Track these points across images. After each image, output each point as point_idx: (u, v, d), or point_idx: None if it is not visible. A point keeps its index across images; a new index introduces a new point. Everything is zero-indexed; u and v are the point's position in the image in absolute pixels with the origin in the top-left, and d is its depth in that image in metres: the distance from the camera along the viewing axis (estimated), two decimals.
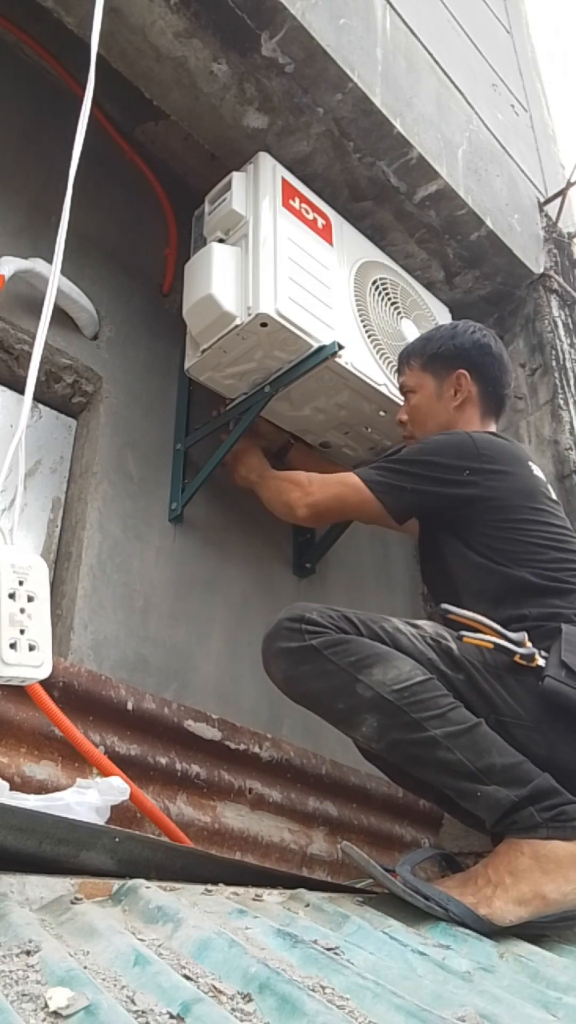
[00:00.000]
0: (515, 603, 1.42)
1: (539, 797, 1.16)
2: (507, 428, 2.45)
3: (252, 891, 1.04)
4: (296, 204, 1.98)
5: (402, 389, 1.82)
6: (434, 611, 1.55)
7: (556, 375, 2.47)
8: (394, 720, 1.21)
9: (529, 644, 1.30)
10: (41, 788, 1.32)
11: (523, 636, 1.31)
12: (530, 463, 1.60)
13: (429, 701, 1.21)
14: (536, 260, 2.60)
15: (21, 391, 1.84)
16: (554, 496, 1.60)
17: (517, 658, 1.27)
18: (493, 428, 1.72)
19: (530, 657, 1.27)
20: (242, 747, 1.70)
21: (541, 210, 2.81)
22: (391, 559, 2.55)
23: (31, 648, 0.90)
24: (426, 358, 1.74)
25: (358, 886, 1.35)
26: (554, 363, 2.49)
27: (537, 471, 1.60)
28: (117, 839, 0.95)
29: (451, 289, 2.53)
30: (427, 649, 1.30)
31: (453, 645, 1.32)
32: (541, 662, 1.28)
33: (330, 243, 2.03)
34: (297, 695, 1.32)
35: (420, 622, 1.37)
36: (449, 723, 1.20)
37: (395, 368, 2.00)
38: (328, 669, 1.24)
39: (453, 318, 2.39)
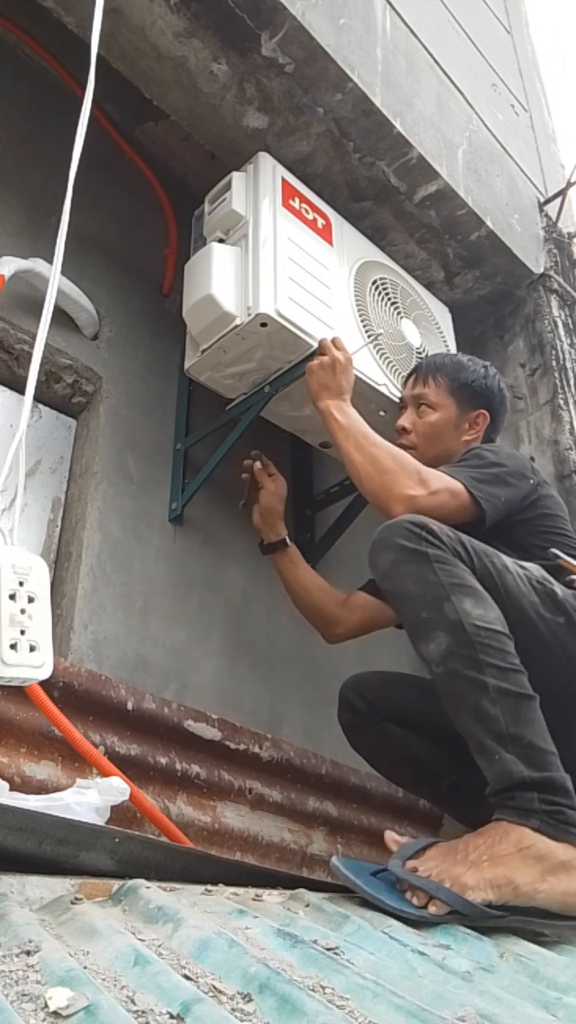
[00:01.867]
0: None
1: (548, 788, 1.16)
2: (507, 428, 2.45)
3: (252, 891, 1.04)
4: (296, 204, 1.98)
5: (417, 399, 1.77)
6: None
7: (556, 375, 2.47)
8: (462, 650, 1.21)
9: None
10: (41, 788, 1.32)
11: None
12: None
13: (499, 652, 1.22)
14: (536, 260, 2.60)
15: (21, 391, 1.84)
16: None
17: None
18: None
19: None
20: (242, 747, 1.70)
21: (541, 210, 2.81)
22: None
23: (32, 649, 0.90)
24: (457, 384, 1.75)
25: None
26: (554, 363, 2.49)
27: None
28: (117, 839, 0.95)
29: (451, 289, 2.53)
30: (530, 591, 1.34)
31: (557, 589, 1.36)
32: None
33: (330, 243, 2.03)
34: (391, 588, 1.32)
35: (527, 564, 1.39)
36: (506, 679, 1.20)
37: (395, 368, 2.00)
38: (429, 579, 1.25)
39: (453, 318, 2.39)
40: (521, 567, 1.37)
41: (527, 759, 1.16)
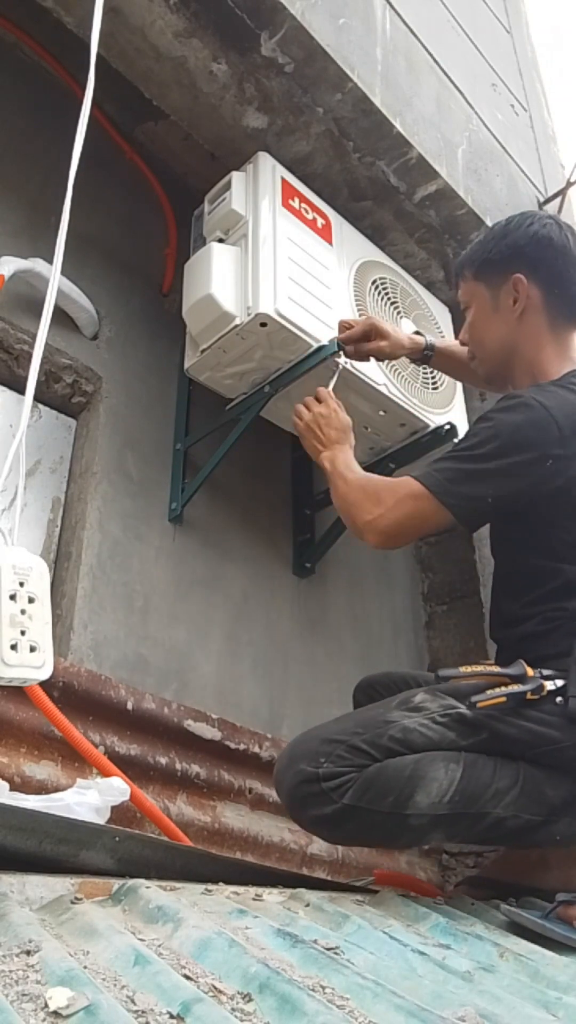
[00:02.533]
0: (556, 596, 1.33)
1: None
2: None
3: (252, 891, 1.04)
4: (296, 204, 1.98)
5: (462, 309, 1.56)
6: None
7: None
8: (458, 825, 1.20)
9: (532, 672, 1.24)
10: (41, 788, 1.32)
11: (522, 668, 1.24)
12: None
13: (477, 788, 1.20)
14: None
15: (21, 391, 1.84)
16: None
17: (528, 695, 1.22)
18: (569, 346, 1.46)
19: (539, 689, 1.23)
20: (242, 747, 1.71)
21: (541, 210, 2.81)
22: (391, 559, 2.55)
23: (32, 649, 0.90)
24: (478, 265, 1.49)
25: (358, 885, 1.35)
26: None
27: None
28: (117, 838, 0.95)
29: (451, 289, 2.53)
30: (441, 731, 1.23)
31: (464, 710, 1.25)
32: (551, 687, 1.24)
33: (330, 243, 2.03)
34: (351, 844, 1.31)
35: (417, 699, 1.27)
36: (503, 794, 1.20)
37: (395, 368, 2.00)
38: (374, 820, 1.18)
39: (453, 318, 2.39)
40: (416, 710, 1.26)
41: (571, 810, 1.21)
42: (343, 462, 1.53)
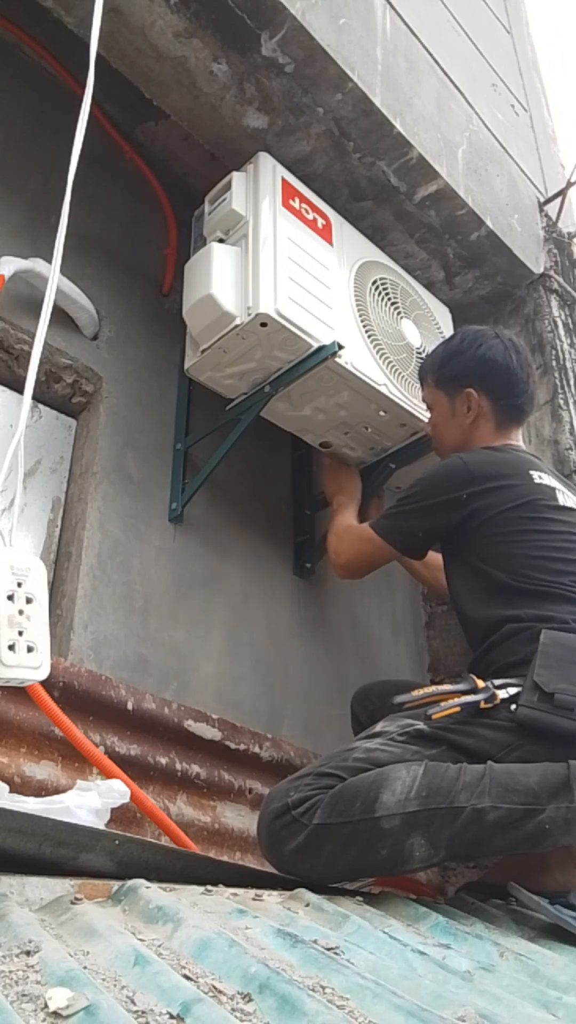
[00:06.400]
0: (508, 604, 1.46)
1: None
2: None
3: (252, 891, 1.04)
4: (296, 204, 1.98)
5: (426, 406, 1.87)
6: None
7: (556, 375, 2.47)
8: (433, 823, 1.19)
9: (483, 684, 1.33)
10: (41, 788, 1.32)
11: (472, 682, 1.34)
12: (534, 472, 1.60)
13: (443, 782, 1.21)
14: (536, 260, 2.60)
15: (21, 391, 1.84)
16: (565, 502, 1.58)
17: (482, 705, 1.30)
18: (511, 438, 1.74)
19: (491, 698, 1.30)
20: (242, 747, 1.71)
21: (541, 210, 2.81)
22: None
23: (29, 649, 0.90)
24: (439, 375, 1.78)
25: (357, 890, 1.35)
26: (554, 363, 2.49)
27: (542, 478, 1.59)
28: (117, 842, 0.95)
29: (451, 289, 2.53)
30: (403, 746, 1.30)
31: (421, 726, 1.32)
32: (504, 695, 1.31)
33: (330, 243, 2.03)
34: (339, 878, 1.26)
35: (377, 727, 1.37)
36: (473, 785, 1.20)
37: (395, 368, 2.01)
38: (346, 832, 1.19)
39: (453, 318, 2.39)
40: (376, 735, 1.34)
41: (554, 794, 1.20)
42: (342, 512, 1.94)
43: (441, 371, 1.77)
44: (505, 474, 1.58)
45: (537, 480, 1.58)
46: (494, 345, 1.73)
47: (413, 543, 1.67)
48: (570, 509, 1.58)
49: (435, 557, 1.86)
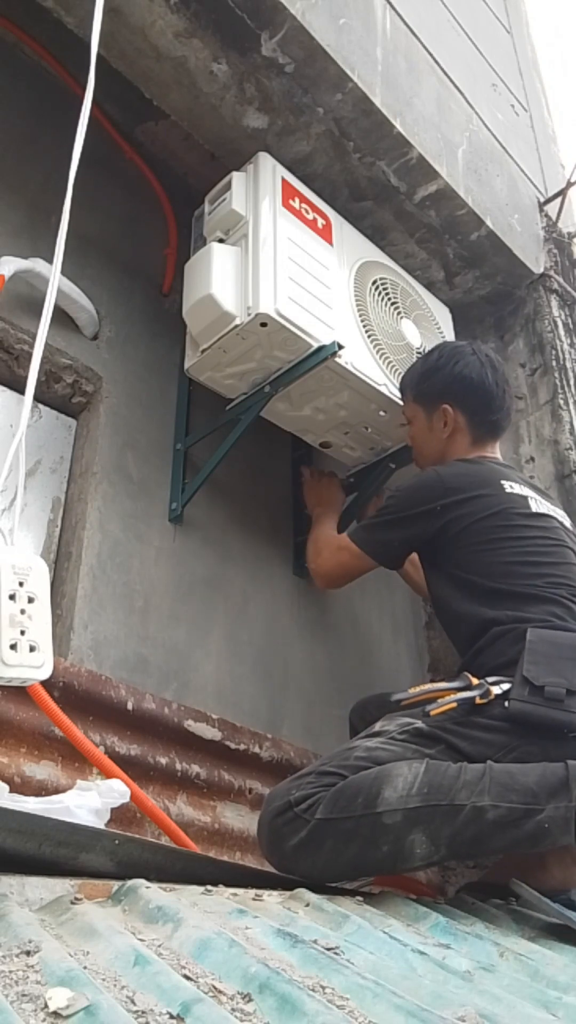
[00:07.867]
0: (489, 608, 1.50)
1: None
2: (508, 428, 2.44)
3: (252, 891, 1.04)
4: (296, 204, 1.98)
5: (406, 419, 1.91)
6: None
7: (556, 375, 2.47)
8: (434, 820, 1.20)
9: (477, 681, 1.36)
10: (41, 788, 1.32)
11: (467, 679, 1.36)
12: (505, 482, 1.64)
13: (444, 780, 1.23)
14: (536, 260, 2.60)
15: (21, 391, 1.84)
16: (538, 508, 1.63)
17: (478, 700, 1.33)
18: (487, 451, 1.79)
19: (486, 693, 1.33)
20: (242, 747, 1.71)
21: (541, 210, 2.81)
22: None
23: (31, 649, 0.90)
24: (418, 390, 1.83)
25: (357, 889, 1.35)
26: (554, 363, 2.49)
27: (515, 488, 1.64)
28: (117, 842, 0.95)
29: (451, 289, 2.53)
30: (403, 745, 1.32)
31: (420, 724, 1.35)
32: (498, 691, 1.34)
33: (330, 243, 2.03)
34: (340, 875, 1.27)
35: (377, 727, 1.39)
36: (474, 784, 1.22)
37: (395, 368, 2.01)
38: (348, 827, 1.21)
39: (453, 318, 2.39)
40: (376, 735, 1.36)
41: (553, 794, 1.21)
42: (322, 524, 1.97)
43: (419, 387, 1.82)
44: (478, 485, 1.63)
45: (508, 490, 1.62)
46: (471, 363, 1.78)
47: (390, 553, 1.72)
48: (544, 515, 1.62)
49: None
